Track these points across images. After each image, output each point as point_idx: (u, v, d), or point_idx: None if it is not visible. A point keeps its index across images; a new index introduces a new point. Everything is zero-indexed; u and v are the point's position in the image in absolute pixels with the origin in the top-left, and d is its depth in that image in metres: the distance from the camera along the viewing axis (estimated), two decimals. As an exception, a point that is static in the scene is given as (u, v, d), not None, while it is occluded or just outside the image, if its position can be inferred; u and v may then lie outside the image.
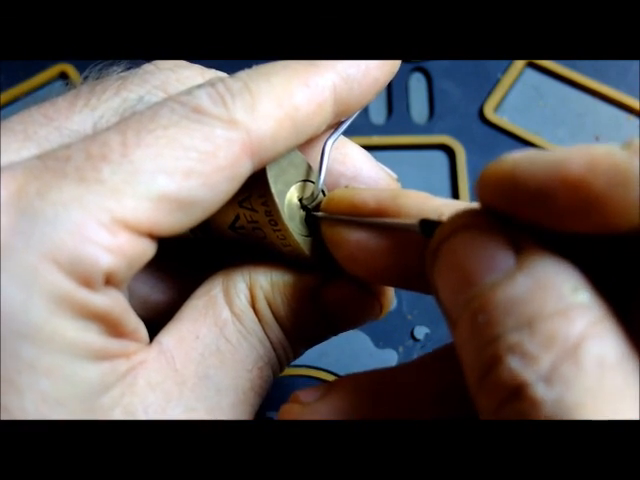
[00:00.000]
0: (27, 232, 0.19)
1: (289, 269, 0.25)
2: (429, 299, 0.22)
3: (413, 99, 0.50)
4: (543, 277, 0.17)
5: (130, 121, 0.21)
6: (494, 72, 0.50)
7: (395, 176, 0.27)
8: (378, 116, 0.49)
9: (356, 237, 0.23)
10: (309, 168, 0.26)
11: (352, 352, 0.40)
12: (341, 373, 0.40)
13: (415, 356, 0.40)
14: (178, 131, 0.21)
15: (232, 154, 0.21)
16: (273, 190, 0.23)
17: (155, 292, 0.27)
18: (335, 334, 0.27)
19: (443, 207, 0.22)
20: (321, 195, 0.25)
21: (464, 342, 0.18)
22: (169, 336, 0.23)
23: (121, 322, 0.21)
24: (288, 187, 0.25)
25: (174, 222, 0.21)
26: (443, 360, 0.23)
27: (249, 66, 0.24)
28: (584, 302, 0.17)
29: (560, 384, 0.16)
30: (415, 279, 0.23)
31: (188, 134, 0.21)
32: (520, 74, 0.50)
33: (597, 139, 0.48)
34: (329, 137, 0.25)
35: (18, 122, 0.23)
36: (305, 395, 0.23)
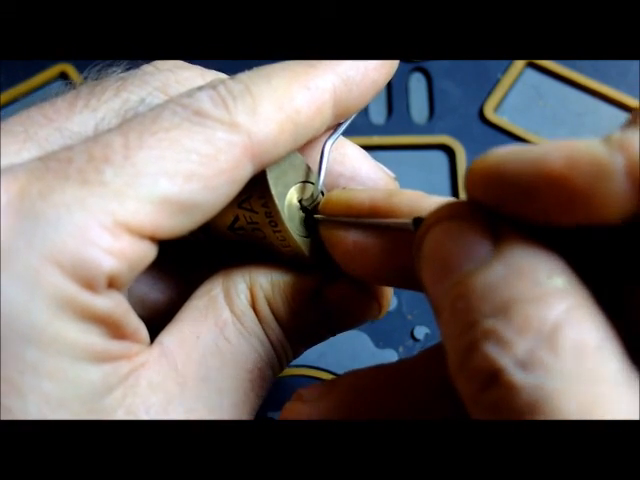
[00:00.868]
0: (29, 234, 0.19)
1: (289, 269, 0.25)
2: (429, 299, 0.22)
3: (413, 99, 0.50)
4: (519, 263, 0.17)
5: (132, 123, 0.21)
6: (494, 72, 0.50)
7: (393, 175, 0.28)
8: (378, 116, 0.49)
9: (353, 238, 0.24)
10: (308, 169, 0.26)
11: (352, 352, 0.40)
12: (341, 373, 0.40)
13: (415, 356, 0.40)
14: (180, 133, 0.21)
15: (233, 157, 0.21)
16: (273, 192, 0.24)
17: (154, 291, 0.27)
18: (334, 334, 0.27)
19: (436, 205, 0.22)
20: (320, 196, 0.25)
21: (446, 329, 0.18)
22: (170, 337, 0.23)
23: (123, 324, 0.21)
24: (288, 188, 0.25)
25: (175, 225, 0.21)
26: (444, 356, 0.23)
27: (248, 66, 0.24)
28: (560, 287, 0.17)
29: (537, 370, 0.16)
30: (412, 278, 0.23)
31: (190, 137, 0.21)
32: (520, 74, 0.50)
33: (597, 139, 0.48)
34: (328, 138, 0.25)
35: (18, 123, 0.22)
36: (308, 393, 0.23)
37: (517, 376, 0.16)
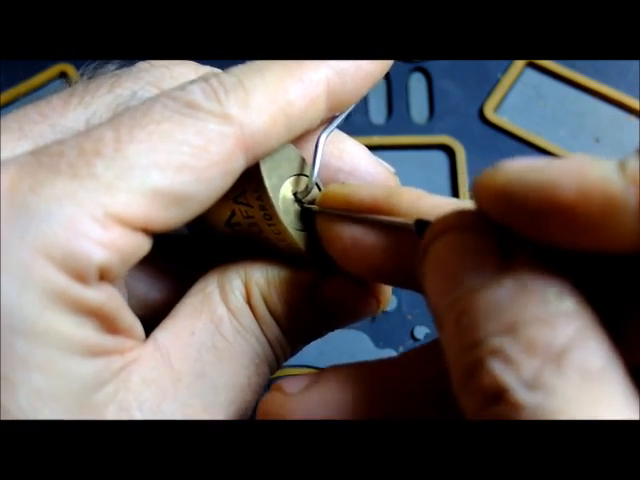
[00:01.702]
0: (20, 228, 0.19)
1: (285, 265, 0.25)
2: (428, 299, 0.22)
3: (413, 99, 0.50)
4: (528, 283, 0.17)
5: (123, 117, 0.21)
6: (494, 72, 0.50)
7: (393, 170, 0.27)
8: (378, 116, 0.49)
9: (350, 233, 0.23)
10: (303, 162, 0.25)
11: (352, 352, 0.40)
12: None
13: (415, 356, 0.40)
14: (171, 126, 0.21)
15: (225, 149, 0.21)
16: (267, 184, 0.23)
17: (152, 291, 0.27)
18: (332, 330, 0.27)
19: (437, 206, 0.22)
20: (315, 189, 0.25)
21: (449, 343, 0.18)
22: (164, 332, 0.23)
23: (116, 318, 0.21)
24: (282, 181, 0.24)
25: (168, 217, 0.21)
26: (435, 353, 0.22)
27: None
28: (569, 310, 0.17)
29: (542, 390, 0.16)
30: (409, 277, 0.23)
31: (181, 129, 0.21)
32: (520, 74, 0.50)
33: (597, 140, 0.48)
34: (323, 131, 0.25)
35: (13, 120, 0.23)
36: (289, 385, 0.23)
37: (522, 395, 0.16)
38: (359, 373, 0.23)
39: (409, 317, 0.41)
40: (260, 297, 0.25)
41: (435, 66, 0.50)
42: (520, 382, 0.16)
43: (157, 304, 0.27)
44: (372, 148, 0.47)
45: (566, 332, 0.16)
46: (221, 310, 0.24)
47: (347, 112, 0.26)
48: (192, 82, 0.22)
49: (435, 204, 0.23)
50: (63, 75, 0.50)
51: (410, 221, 0.21)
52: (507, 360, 0.16)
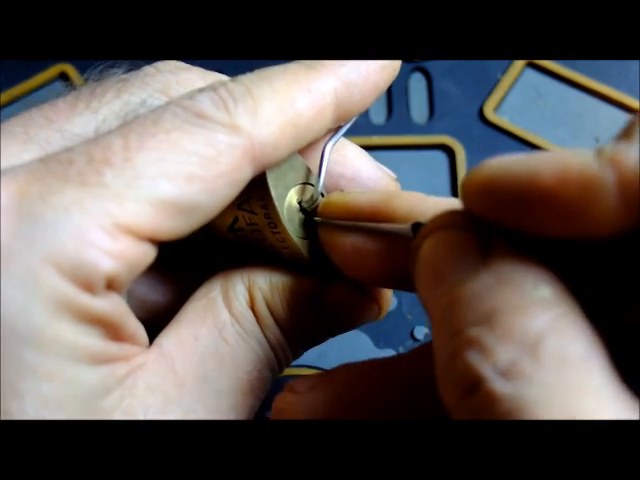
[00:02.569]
0: (28, 236, 0.19)
1: (288, 271, 0.25)
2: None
3: (413, 99, 0.50)
4: (506, 273, 0.17)
5: (133, 125, 0.21)
6: (494, 72, 0.50)
7: (394, 176, 0.27)
8: (378, 116, 0.49)
9: (351, 241, 0.24)
10: (308, 171, 0.26)
11: (352, 352, 0.40)
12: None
13: (415, 356, 0.40)
14: (180, 135, 0.21)
15: (234, 160, 0.21)
16: (273, 193, 0.24)
17: (154, 293, 0.27)
18: (334, 335, 0.27)
19: (437, 208, 0.22)
20: (321, 198, 0.25)
21: (434, 337, 0.18)
22: (168, 338, 0.23)
23: (121, 326, 0.21)
24: (288, 190, 0.25)
25: (175, 227, 0.21)
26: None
27: (249, 66, 0.24)
28: (545, 298, 0.17)
29: (518, 379, 0.16)
30: (411, 281, 0.23)
31: (190, 139, 0.21)
32: (520, 74, 0.50)
33: (597, 140, 0.48)
34: (329, 140, 0.25)
35: (18, 124, 0.22)
36: (299, 385, 0.23)
37: (497, 385, 0.16)
38: (367, 370, 0.23)
39: (409, 317, 0.41)
40: (263, 303, 0.25)
41: (435, 66, 0.50)
42: (495, 371, 0.16)
43: (159, 307, 0.27)
44: (372, 148, 0.47)
45: (542, 319, 0.16)
46: (225, 315, 0.24)
47: (352, 122, 0.26)
48: (201, 91, 0.22)
49: (435, 206, 0.23)
50: (63, 75, 0.50)
51: (407, 226, 0.22)
52: (482, 349, 0.16)
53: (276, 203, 0.24)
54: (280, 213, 0.24)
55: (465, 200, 0.19)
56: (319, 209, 0.25)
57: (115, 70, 0.26)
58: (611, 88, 0.49)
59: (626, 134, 0.17)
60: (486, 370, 0.16)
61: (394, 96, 0.49)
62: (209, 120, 0.21)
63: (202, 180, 0.21)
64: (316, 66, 0.24)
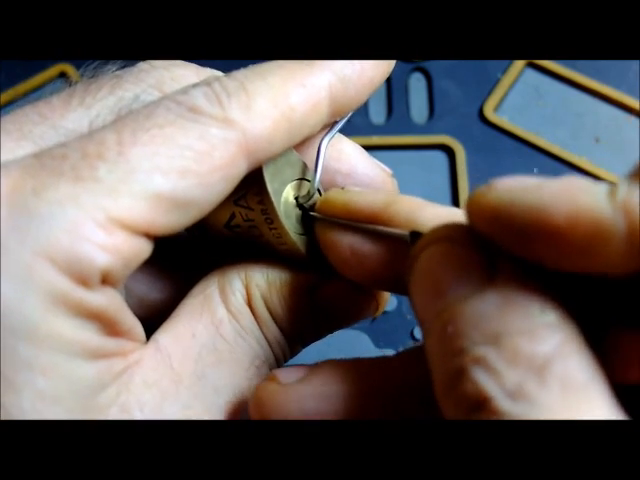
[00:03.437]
0: (23, 231, 0.19)
1: (285, 267, 0.25)
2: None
3: (413, 99, 0.50)
4: (512, 296, 0.17)
5: (126, 120, 0.21)
6: (494, 72, 0.50)
7: (390, 171, 0.27)
8: (378, 116, 0.49)
9: (349, 241, 0.23)
10: (305, 167, 0.26)
11: (352, 352, 0.40)
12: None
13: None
14: (174, 130, 0.21)
15: (228, 154, 0.21)
16: (269, 189, 0.24)
17: (152, 291, 0.27)
18: (331, 332, 0.27)
19: (437, 215, 0.22)
20: (317, 194, 0.25)
21: (433, 351, 0.18)
22: (165, 334, 0.23)
23: (117, 321, 0.21)
24: (284, 186, 0.25)
25: (170, 221, 0.21)
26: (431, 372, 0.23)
27: (245, 66, 0.24)
28: (551, 323, 0.17)
29: (524, 400, 0.16)
30: (406, 285, 0.23)
31: (184, 133, 0.21)
32: (520, 74, 0.50)
33: (597, 140, 0.48)
34: (324, 136, 0.25)
35: (12, 121, 0.22)
36: (284, 375, 0.23)
37: (504, 405, 0.16)
38: (356, 368, 0.23)
39: (409, 317, 0.41)
40: (260, 299, 0.25)
41: (435, 66, 0.50)
42: (503, 391, 0.16)
43: (157, 304, 0.27)
44: (372, 148, 0.47)
45: (548, 344, 0.17)
46: (221, 312, 0.24)
47: (348, 117, 0.26)
48: (195, 86, 0.22)
49: (434, 214, 0.23)
50: (63, 75, 0.50)
51: (406, 232, 0.22)
52: (490, 369, 0.17)
53: (273, 198, 0.24)
54: (277, 208, 0.24)
55: (470, 219, 0.19)
56: (317, 205, 0.25)
57: (109, 67, 0.26)
58: (611, 88, 0.49)
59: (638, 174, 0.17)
60: (494, 390, 0.16)
61: (394, 96, 0.49)
62: (202, 114, 0.21)
63: (196, 174, 0.21)
64: (311, 62, 0.24)
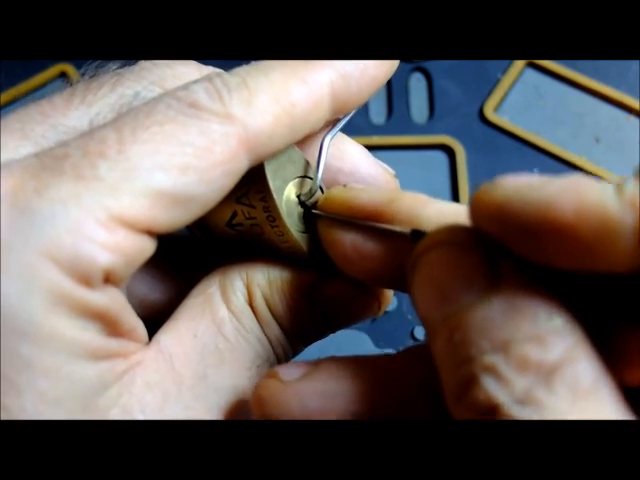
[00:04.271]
0: (25, 230, 0.19)
1: (286, 266, 0.25)
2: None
3: (413, 99, 0.50)
4: (518, 301, 0.17)
5: (126, 117, 0.21)
6: (494, 72, 0.50)
7: (393, 172, 0.27)
8: (378, 116, 0.49)
9: (351, 238, 0.23)
10: (307, 164, 0.26)
11: (352, 352, 0.40)
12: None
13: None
14: (174, 127, 0.21)
15: (228, 149, 0.21)
16: (271, 186, 0.23)
17: (153, 291, 0.27)
18: (333, 331, 0.27)
19: (439, 212, 0.22)
20: (319, 192, 0.25)
21: (441, 356, 0.18)
22: (167, 335, 0.23)
23: (119, 321, 0.21)
24: (286, 183, 0.25)
25: (171, 218, 0.21)
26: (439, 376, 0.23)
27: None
28: (558, 328, 0.17)
29: (534, 406, 0.16)
30: (408, 283, 0.23)
31: (184, 130, 0.21)
32: (520, 74, 0.50)
33: (597, 140, 0.48)
34: (327, 134, 0.25)
35: (16, 120, 0.22)
36: (286, 372, 0.22)
37: (514, 411, 0.16)
38: (357, 366, 0.23)
39: (409, 317, 0.41)
40: (262, 298, 0.25)
41: (435, 66, 0.50)
42: (512, 398, 0.16)
43: (158, 304, 0.27)
44: (372, 148, 0.47)
45: (556, 350, 0.17)
46: (223, 312, 0.24)
47: (350, 115, 0.26)
48: (196, 82, 0.22)
49: (438, 210, 0.23)
50: (63, 75, 0.50)
51: (408, 230, 0.22)
52: (499, 377, 0.17)
53: (275, 196, 0.24)
54: (279, 206, 0.24)
55: (474, 218, 0.19)
56: (319, 203, 0.25)
57: (111, 65, 0.26)
58: (611, 88, 0.49)
59: None
60: (504, 397, 0.17)
61: (394, 96, 0.49)
62: (203, 110, 0.21)
63: (197, 170, 0.21)
64: (313, 60, 0.24)
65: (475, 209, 0.18)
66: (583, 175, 0.17)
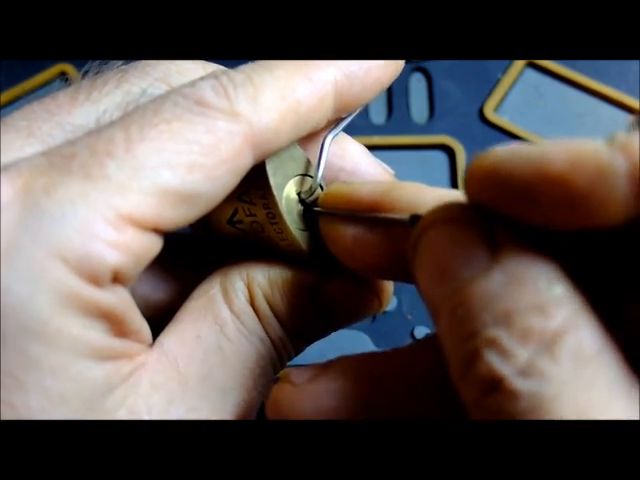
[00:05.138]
0: (34, 229, 0.19)
1: (287, 265, 0.25)
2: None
3: (413, 99, 0.50)
4: (518, 272, 0.17)
5: (134, 116, 0.21)
6: (494, 72, 0.50)
7: (392, 172, 0.28)
8: (378, 116, 0.49)
9: (353, 232, 0.23)
10: (308, 162, 0.26)
11: (352, 352, 0.40)
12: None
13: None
14: (181, 125, 0.21)
15: (234, 146, 0.21)
16: (272, 183, 0.24)
17: (156, 291, 0.27)
18: (334, 330, 0.27)
19: (438, 198, 0.22)
20: (319, 189, 0.25)
21: (445, 334, 0.18)
22: (170, 337, 0.23)
23: (126, 320, 0.21)
24: (287, 181, 0.25)
25: (178, 216, 0.21)
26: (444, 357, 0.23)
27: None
28: (559, 296, 0.17)
29: (537, 377, 0.16)
30: (411, 272, 0.23)
31: (191, 127, 0.21)
32: (520, 74, 0.50)
33: (597, 139, 0.48)
34: (329, 132, 0.25)
35: (21, 118, 0.22)
36: (297, 375, 0.23)
37: (517, 383, 0.16)
38: (367, 362, 0.23)
39: (409, 317, 0.41)
40: (263, 298, 0.25)
41: (435, 66, 0.50)
42: (515, 370, 0.16)
43: (160, 305, 0.27)
44: (372, 148, 0.47)
45: (557, 318, 0.17)
46: (225, 313, 0.24)
47: (353, 115, 0.26)
48: (202, 79, 0.22)
49: (436, 197, 0.23)
50: (63, 75, 0.50)
51: (406, 216, 0.22)
52: (501, 350, 0.17)
53: (275, 193, 0.24)
54: (278, 203, 0.24)
55: (469, 187, 0.19)
56: (320, 199, 0.25)
57: (114, 62, 0.26)
58: (611, 88, 0.49)
59: (637, 125, 0.17)
60: (507, 370, 0.16)
61: (394, 96, 0.49)
62: (209, 107, 0.21)
63: (203, 168, 0.21)
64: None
65: (470, 178, 0.18)
66: None
